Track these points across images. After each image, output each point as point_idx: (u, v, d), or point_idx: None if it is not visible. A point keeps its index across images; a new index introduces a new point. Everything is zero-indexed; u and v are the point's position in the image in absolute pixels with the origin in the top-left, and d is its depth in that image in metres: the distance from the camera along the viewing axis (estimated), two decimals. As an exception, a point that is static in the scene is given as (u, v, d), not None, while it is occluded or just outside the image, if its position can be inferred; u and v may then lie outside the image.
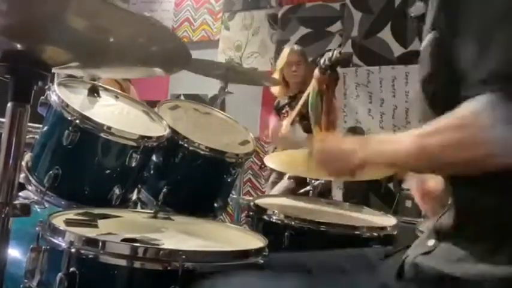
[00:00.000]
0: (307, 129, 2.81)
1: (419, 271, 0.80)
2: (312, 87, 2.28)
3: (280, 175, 2.93)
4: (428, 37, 0.81)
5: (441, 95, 0.78)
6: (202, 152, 1.45)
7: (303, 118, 2.89)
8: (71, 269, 0.86)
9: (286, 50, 3.21)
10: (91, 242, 0.89)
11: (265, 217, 1.45)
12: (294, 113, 2.93)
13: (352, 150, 0.89)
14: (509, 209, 0.72)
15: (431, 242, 0.82)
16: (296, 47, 3.29)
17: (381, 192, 3.43)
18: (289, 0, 4.18)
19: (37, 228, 0.96)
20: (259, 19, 4.35)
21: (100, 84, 1.46)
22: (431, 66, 0.80)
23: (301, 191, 2.43)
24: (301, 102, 2.80)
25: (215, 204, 1.54)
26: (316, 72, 2.23)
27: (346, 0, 3.90)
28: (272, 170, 3.02)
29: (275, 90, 3.25)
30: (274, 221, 1.42)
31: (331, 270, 0.96)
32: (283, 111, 3.18)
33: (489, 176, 0.70)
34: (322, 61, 2.18)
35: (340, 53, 2.13)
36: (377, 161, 0.88)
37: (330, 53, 2.15)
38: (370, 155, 0.86)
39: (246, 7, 4.44)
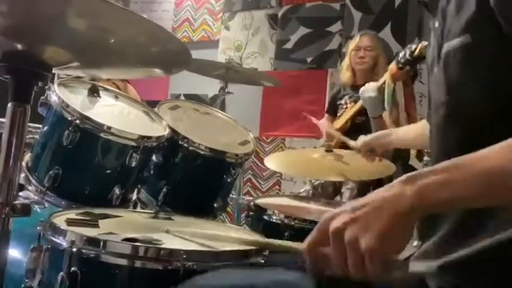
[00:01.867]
0: (363, 127, 2.53)
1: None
2: (386, 84, 2.08)
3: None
4: (455, 42, 0.74)
5: (470, 106, 0.74)
6: (202, 152, 1.45)
7: (359, 113, 2.65)
8: (72, 269, 0.86)
9: (358, 34, 2.94)
10: (92, 241, 0.89)
11: (265, 217, 1.45)
12: (354, 108, 2.69)
13: (396, 189, 0.64)
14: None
15: (415, 243, 0.84)
16: (370, 31, 3.01)
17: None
18: (289, 0, 4.18)
19: (38, 228, 0.97)
20: (259, 19, 4.35)
21: (100, 84, 1.46)
22: (460, 72, 0.75)
23: (301, 190, 2.43)
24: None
25: (215, 204, 1.54)
26: (393, 66, 2.03)
27: (346, 0, 3.90)
28: None
29: (342, 76, 2.98)
30: (274, 221, 1.43)
31: None
32: (342, 101, 2.91)
33: None
34: (401, 54, 1.97)
35: (424, 47, 1.94)
36: (451, 192, 0.62)
37: (413, 46, 1.95)
38: (432, 184, 0.62)
39: (246, 7, 4.44)
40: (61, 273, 0.86)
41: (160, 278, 0.88)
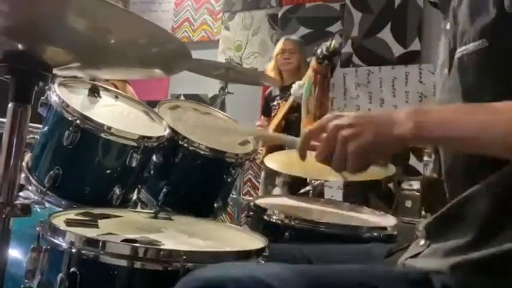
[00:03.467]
0: (297, 123, 2.85)
1: (406, 272, 0.82)
2: (307, 77, 2.27)
3: None
4: (470, 46, 0.75)
5: None
6: (202, 152, 1.45)
7: (292, 110, 2.94)
8: (72, 269, 0.86)
9: (282, 39, 3.26)
10: (91, 242, 0.89)
11: (265, 217, 1.45)
12: (285, 106, 2.97)
13: (401, 115, 0.70)
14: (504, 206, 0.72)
15: (422, 242, 0.84)
16: (293, 37, 3.34)
17: (381, 192, 3.43)
18: (289, 0, 4.18)
19: (37, 229, 0.96)
20: (259, 19, 4.35)
21: (100, 84, 1.46)
22: (478, 77, 0.75)
23: (301, 191, 2.43)
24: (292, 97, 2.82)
25: (215, 204, 1.54)
26: (313, 61, 2.21)
27: (346, 0, 3.90)
28: None
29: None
30: (274, 221, 1.42)
31: (331, 262, 0.97)
32: (275, 102, 3.19)
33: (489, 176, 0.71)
34: (319, 51, 2.16)
35: (338, 43, 2.13)
36: (445, 132, 0.69)
37: (328, 43, 2.13)
38: (432, 122, 0.69)
39: (246, 7, 4.44)
40: (60, 274, 0.86)
41: (160, 278, 0.87)
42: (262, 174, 3.24)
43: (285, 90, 3.02)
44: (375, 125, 0.72)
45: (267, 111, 3.28)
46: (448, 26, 0.84)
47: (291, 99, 2.90)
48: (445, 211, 0.80)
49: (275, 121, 3.04)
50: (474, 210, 0.75)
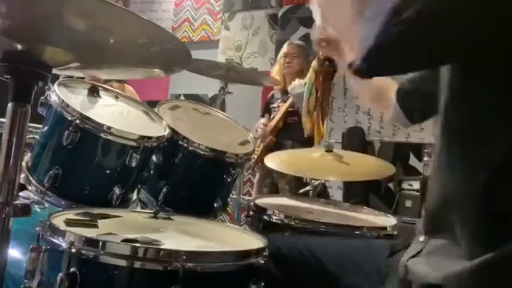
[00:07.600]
0: (294, 126, 2.91)
1: (408, 274, 0.82)
2: (308, 77, 2.26)
3: None
4: None
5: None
6: (202, 152, 1.45)
7: (290, 113, 3.00)
8: (72, 269, 0.86)
9: (286, 43, 3.31)
10: (91, 242, 0.89)
11: (265, 217, 1.45)
12: (283, 108, 3.04)
13: None
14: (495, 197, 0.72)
15: (421, 238, 0.85)
16: (297, 41, 3.39)
17: (381, 192, 3.44)
18: (289, 0, 4.18)
19: (37, 229, 0.96)
20: (259, 19, 4.35)
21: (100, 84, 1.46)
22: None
23: (301, 191, 2.43)
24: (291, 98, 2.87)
25: (215, 204, 1.54)
26: (314, 63, 2.20)
27: (346, 0, 3.90)
28: None
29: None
30: (274, 221, 1.43)
31: (337, 258, 0.97)
32: (275, 104, 3.23)
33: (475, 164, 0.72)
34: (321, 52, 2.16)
35: None
36: None
37: None
38: None
39: (246, 7, 4.44)
40: (60, 274, 0.86)
41: (160, 278, 0.87)
42: (257, 176, 3.24)
43: (286, 93, 3.05)
44: None
45: (266, 112, 3.31)
46: None
47: (289, 101, 2.96)
48: (433, 210, 0.81)
49: (273, 122, 3.09)
50: (460, 213, 0.75)
